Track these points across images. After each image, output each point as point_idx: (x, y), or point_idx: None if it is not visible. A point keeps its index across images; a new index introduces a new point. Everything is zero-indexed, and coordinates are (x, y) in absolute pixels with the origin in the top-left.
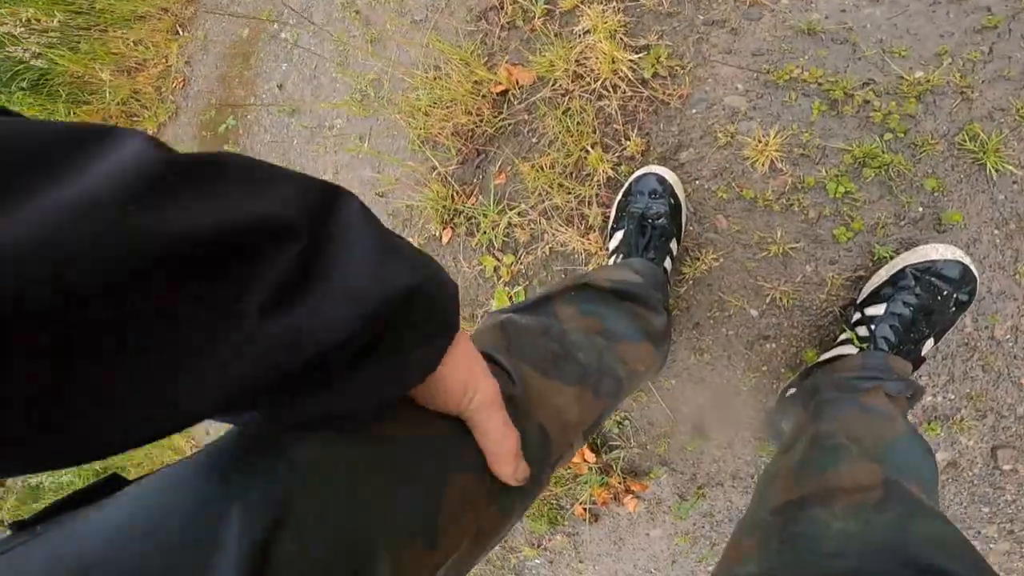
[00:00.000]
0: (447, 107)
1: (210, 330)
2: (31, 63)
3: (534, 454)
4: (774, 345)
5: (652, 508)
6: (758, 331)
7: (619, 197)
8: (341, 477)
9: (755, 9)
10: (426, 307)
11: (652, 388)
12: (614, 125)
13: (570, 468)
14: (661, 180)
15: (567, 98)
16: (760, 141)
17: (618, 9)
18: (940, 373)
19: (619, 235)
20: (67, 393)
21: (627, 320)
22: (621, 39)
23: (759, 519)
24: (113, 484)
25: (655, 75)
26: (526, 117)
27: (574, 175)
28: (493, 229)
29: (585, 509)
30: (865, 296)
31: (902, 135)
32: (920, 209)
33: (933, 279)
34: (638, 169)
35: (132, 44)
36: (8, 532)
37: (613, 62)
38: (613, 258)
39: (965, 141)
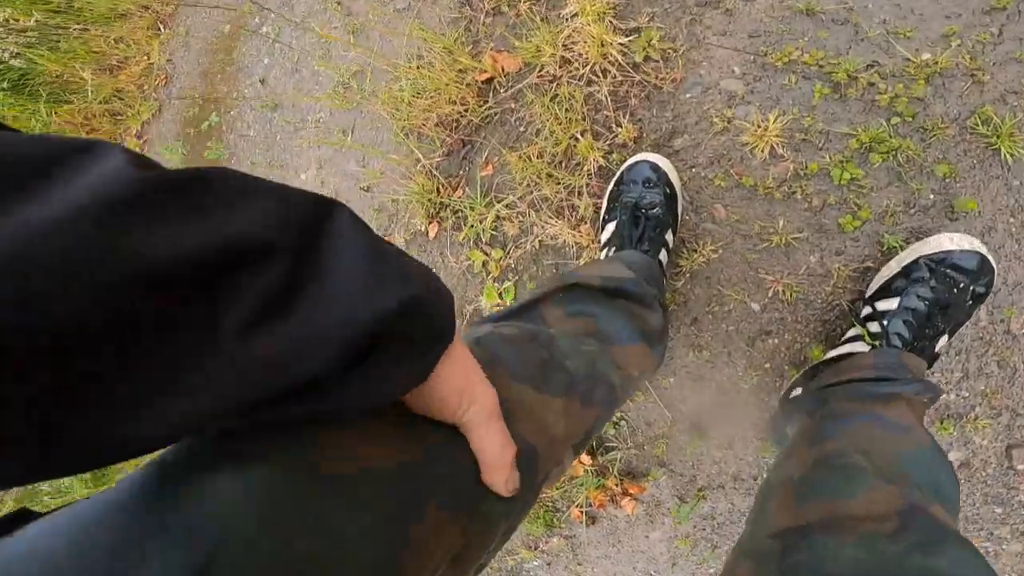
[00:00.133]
0: (431, 97)
1: (186, 352)
2: (10, 63)
3: (525, 477)
4: (777, 341)
5: (651, 510)
6: (760, 326)
7: (611, 186)
8: (283, 523)
9: None
10: (420, 319)
11: (649, 387)
12: (604, 112)
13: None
14: (655, 168)
15: (555, 84)
16: (759, 126)
17: None
18: (954, 369)
19: (611, 226)
20: (57, 398)
21: (621, 320)
22: (610, 22)
23: (757, 543)
24: (20, 519)
25: (647, 59)
26: (513, 105)
27: (563, 164)
28: (480, 222)
29: (581, 511)
30: (875, 289)
31: (910, 119)
32: (931, 196)
33: (949, 270)
34: (630, 157)
35: (113, 42)
36: None
37: (602, 46)
38: (605, 251)
39: (977, 125)
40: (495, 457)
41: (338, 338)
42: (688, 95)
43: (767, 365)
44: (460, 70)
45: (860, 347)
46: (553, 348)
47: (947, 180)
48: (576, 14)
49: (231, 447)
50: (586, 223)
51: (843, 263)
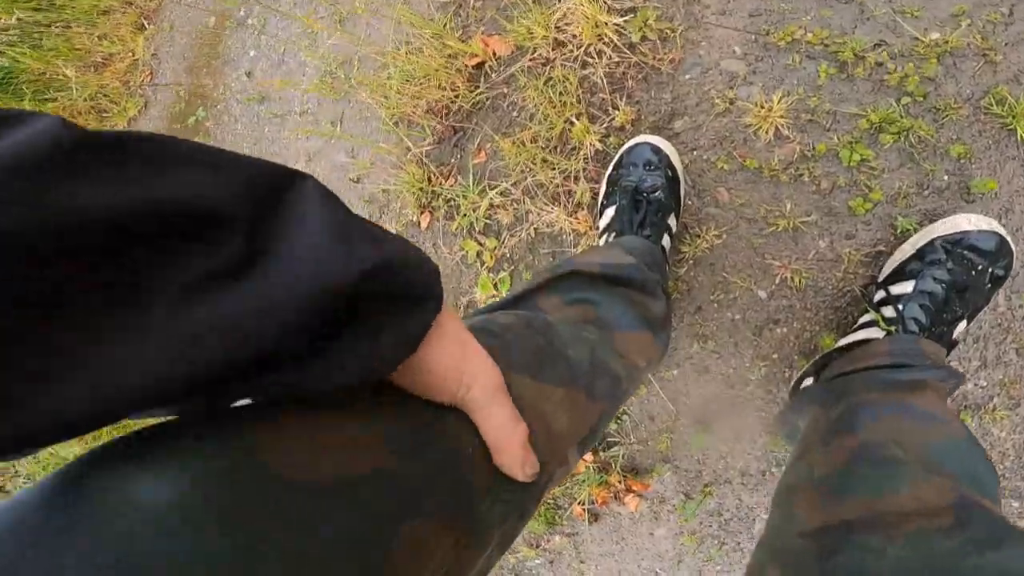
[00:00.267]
0: (420, 84)
1: (106, 322)
2: None
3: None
4: (785, 330)
5: (655, 507)
6: (767, 314)
7: (609, 170)
8: (211, 532)
9: None
10: (398, 283)
11: (652, 380)
12: (600, 94)
13: None
14: (656, 150)
15: (548, 67)
16: (762, 107)
17: None
18: (971, 358)
19: (610, 212)
20: None
21: (622, 307)
22: (604, 2)
23: (788, 543)
24: None
25: (643, 39)
26: (505, 90)
27: (558, 149)
28: (474, 211)
29: (584, 509)
30: (889, 273)
31: (921, 99)
32: (946, 178)
33: (966, 252)
34: (629, 140)
35: (96, 39)
36: None
37: (597, 27)
38: (604, 237)
39: (992, 105)
40: (505, 439)
41: (297, 303)
42: (687, 76)
43: (775, 355)
44: (450, 55)
45: (874, 333)
46: (551, 335)
47: (962, 161)
48: None
49: (164, 442)
50: (583, 209)
51: (854, 247)
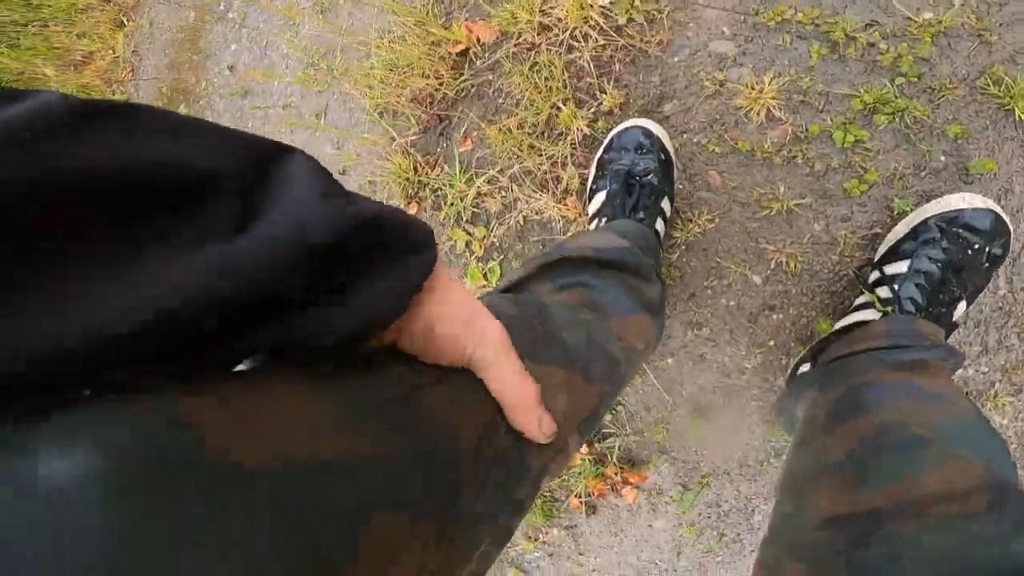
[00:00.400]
0: (403, 73)
1: (111, 262)
2: None
3: (512, 459)
4: (781, 316)
5: (653, 499)
6: (763, 300)
7: (599, 154)
8: (126, 527)
9: None
10: (390, 232)
11: (647, 369)
12: (587, 78)
13: None
14: (648, 133)
15: (533, 52)
16: (753, 88)
17: None
18: (972, 343)
19: (600, 196)
20: None
21: (617, 290)
22: None
23: (806, 536)
24: None
25: (630, 21)
26: (490, 77)
27: (546, 135)
28: (461, 200)
29: (581, 501)
30: (883, 253)
31: (916, 79)
32: (943, 158)
33: (961, 230)
34: (617, 124)
35: (75, 37)
36: None
37: (582, 9)
38: (595, 222)
39: (988, 85)
40: (521, 395)
41: (287, 254)
42: (676, 58)
43: (771, 342)
44: (433, 43)
45: (870, 315)
46: (546, 317)
47: (959, 142)
48: None
49: (77, 411)
50: (572, 195)
51: (850, 230)
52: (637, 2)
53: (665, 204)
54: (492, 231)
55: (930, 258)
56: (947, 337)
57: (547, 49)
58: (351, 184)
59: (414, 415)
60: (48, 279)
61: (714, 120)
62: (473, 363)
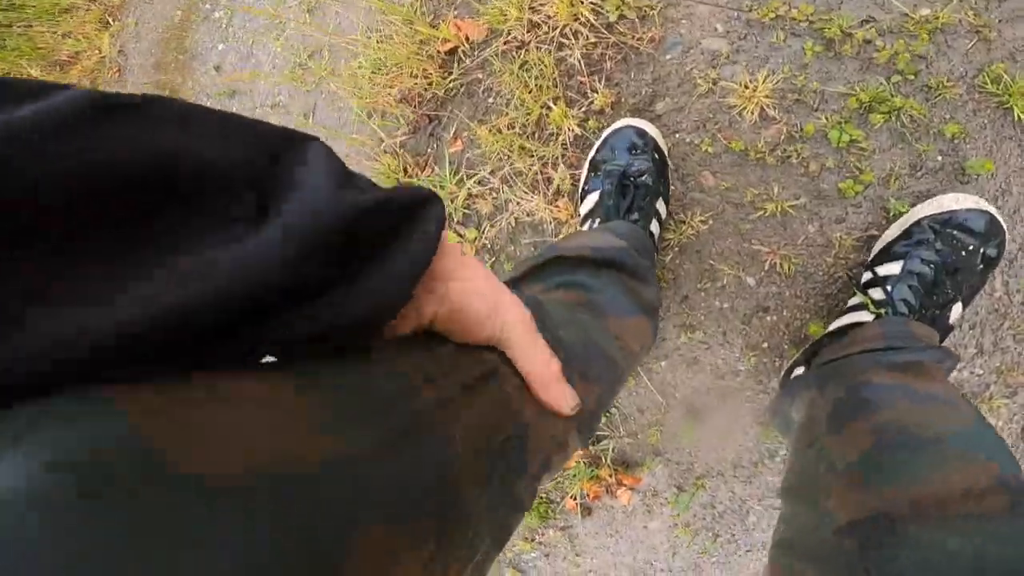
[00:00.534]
0: (391, 73)
1: (128, 253)
2: None
3: (513, 452)
4: (775, 318)
5: (648, 500)
6: (756, 302)
7: (591, 155)
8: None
9: None
10: (402, 216)
11: (640, 371)
12: (578, 77)
13: None
14: (641, 133)
15: (523, 51)
16: (747, 87)
17: None
18: (968, 345)
19: (593, 197)
20: None
21: (614, 290)
22: None
23: (820, 541)
24: None
25: (621, 18)
26: (479, 75)
27: (536, 135)
28: (452, 202)
29: (576, 503)
30: (876, 254)
31: (912, 77)
32: (939, 158)
33: (955, 231)
34: (609, 123)
35: (60, 37)
36: None
37: (572, 5)
38: (588, 223)
39: (987, 83)
40: (546, 370)
41: (299, 244)
42: (668, 56)
43: (765, 344)
44: (421, 41)
45: (863, 316)
46: (543, 315)
47: (956, 141)
48: None
49: (17, 415)
50: (564, 196)
51: (845, 231)
52: None
53: (660, 205)
54: (483, 233)
55: (923, 259)
56: (943, 340)
57: (537, 47)
58: None
59: (416, 413)
60: (51, 279)
61: (707, 119)
62: (501, 341)
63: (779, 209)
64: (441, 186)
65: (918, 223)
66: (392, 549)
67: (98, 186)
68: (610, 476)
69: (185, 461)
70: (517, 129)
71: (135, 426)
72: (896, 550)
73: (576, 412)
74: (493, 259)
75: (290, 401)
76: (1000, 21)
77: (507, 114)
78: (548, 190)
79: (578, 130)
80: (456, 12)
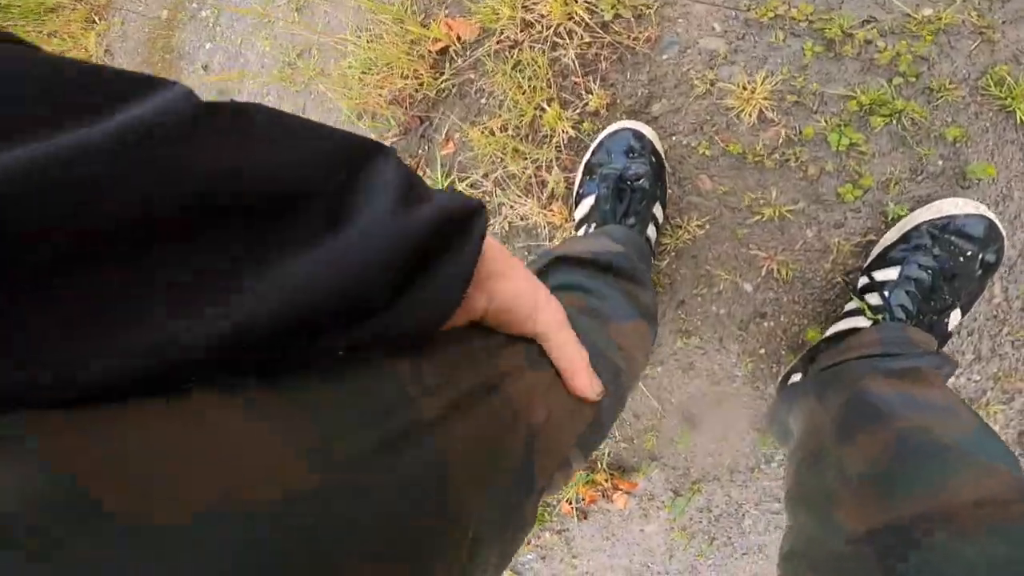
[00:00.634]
0: (381, 73)
1: (216, 272)
2: None
3: (522, 476)
4: (772, 323)
5: (644, 504)
6: (753, 308)
7: (586, 158)
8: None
9: None
10: (453, 228)
11: None
12: (573, 78)
13: None
14: (639, 136)
15: (516, 50)
16: (745, 88)
17: None
18: (965, 351)
19: (588, 201)
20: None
21: (616, 294)
22: None
23: (834, 552)
24: None
25: (616, 17)
26: (471, 76)
27: (529, 137)
28: None
29: (572, 507)
30: (873, 258)
31: (914, 79)
32: (940, 162)
33: (953, 237)
34: (605, 126)
35: (46, 37)
36: None
37: (566, 4)
38: (583, 228)
39: (990, 86)
40: (577, 361)
41: (367, 262)
42: (665, 56)
43: (762, 350)
44: (412, 41)
45: (860, 322)
46: None
47: (958, 145)
48: None
49: None
50: (558, 200)
51: (843, 236)
52: None
53: (657, 210)
54: None
55: (920, 265)
56: (941, 346)
57: (530, 47)
58: None
59: (405, 432)
60: (152, 288)
61: (704, 121)
62: (539, 335)
63: (777, 214)
64: None
65: (917, 228)
66: (385, 570)
67: (191, 201)
68: (606, 481)
69: (111, 500)
70: (510, 131)
71: (58, 465)
72: (917, 559)
73: (600, 398)
74: None
75: (244, 427)
76: (1004, 22)
77: (500, 116)
78: (542, 194)
79: (572, 132)
80: (447, 11)
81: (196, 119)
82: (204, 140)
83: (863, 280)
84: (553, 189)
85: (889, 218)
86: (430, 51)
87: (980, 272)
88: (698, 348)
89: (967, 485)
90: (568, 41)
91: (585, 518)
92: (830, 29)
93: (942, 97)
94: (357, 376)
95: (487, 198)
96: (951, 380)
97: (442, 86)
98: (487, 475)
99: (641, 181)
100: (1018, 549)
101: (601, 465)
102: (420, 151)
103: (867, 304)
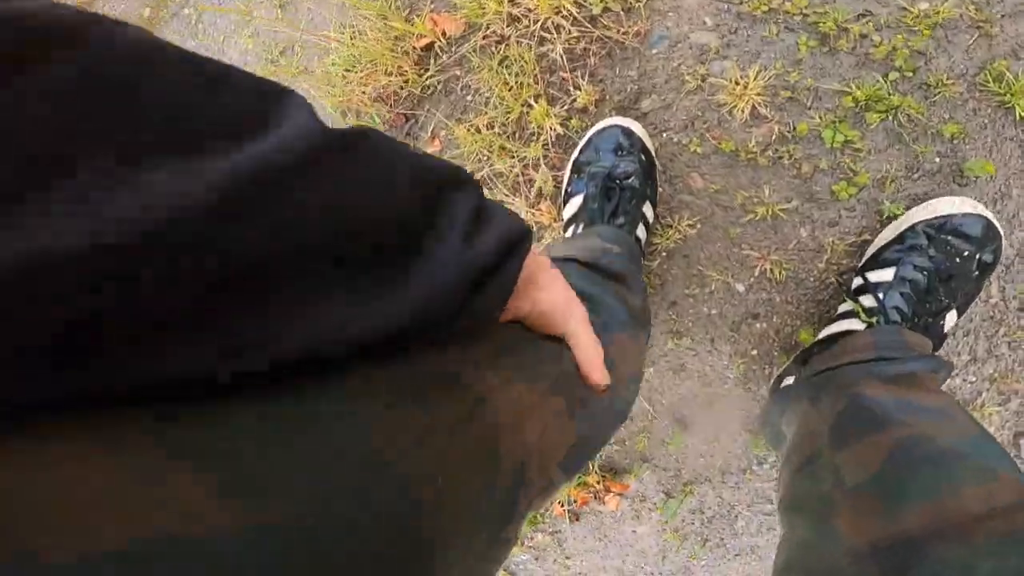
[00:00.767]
0: (365, 70)
1: (308, 294)
2: None
3: (508, 505)
4: (765, 325)
5: (636, 506)
6: (746, 309)
7: (574, 155)
8: None
9: None
10: (507, 250)
11: None
12: (560, 73)
13: None
14: (628, 133)
15: (503, 46)
16: (737, 84)
17: None
18: (961, 352)
19: (576, 200)
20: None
21: (611, 300)
22: None
23: (833, 564)
24: None
25: (605, 11)
26: (457, 72)
27: (516, 135)
28: None
29: (564, 509)
30: (868, 259)
31: (910, 74)
32: (937, 160)
33: (950, 237)
34: (593, 122)
35: None
36: None
37: None
38: (571, 228)
39: (988, 81)
40: (595, 358)
41: (443, 289)
42: (655, 51)
43: (754, 351)
44: (396, 37)
45: (854, 324)
46: None
47: (955, 142)
48: None
49: None
50: (546, 199)
51: (838, 236)
52: None
53: (647, 209)
54: None
55: (916, 266)
56: (937, 348)
57: (517, 42)
58: None
59: (368, 460)
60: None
61: (696, 117)
62: (568, 335)
63: (770, 212)
64: None
65: (912, 228)
66: None
67: (293, 242)
68: (598, 483)
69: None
70: (497, 128)
71: None
72: (917, 574)
73: (606, 391)
74: None
75: (164, 464)
76: (1003, 16)
77: (486, 113)
78: (530, 193)
79: (560, 129)
80: (432, 6)
81: (327, 148)
82: (335, 169)
83: (857, 281)
84: (541, 188)
85: (884, 216)
86: (415, 47)
87: (977, 272)
88: (689, 349)
89: (970, 492)
90: (556, 36)
91: (577, 520)
92: (825, 23)
93: (939, 93)
94: (341, 402)
95: None
96: (947, 382)
97: (427, 83)
98: (475, 509)
99: (630, 179)
100: (1022, 561)
101: (593, 467)
102: None
103: (861, 306)
